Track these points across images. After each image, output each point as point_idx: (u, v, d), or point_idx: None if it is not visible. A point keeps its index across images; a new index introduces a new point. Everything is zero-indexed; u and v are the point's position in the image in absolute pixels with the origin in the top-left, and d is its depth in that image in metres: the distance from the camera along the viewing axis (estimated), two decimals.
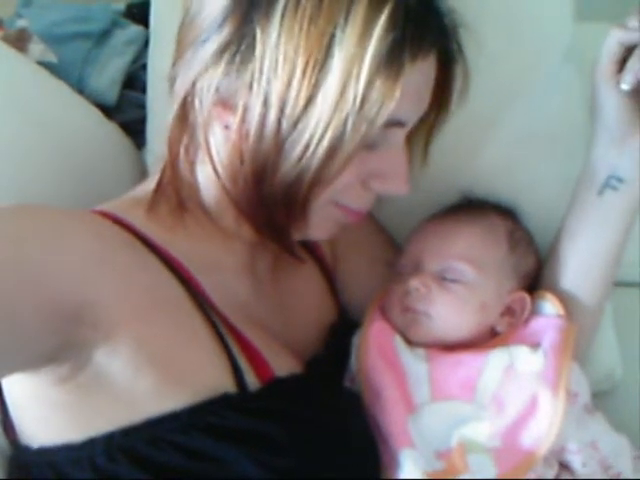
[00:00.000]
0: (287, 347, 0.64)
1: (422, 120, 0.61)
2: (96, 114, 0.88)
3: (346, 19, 0.51)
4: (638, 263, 0.94)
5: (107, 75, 0.94)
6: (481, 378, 0.62)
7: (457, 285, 0.66)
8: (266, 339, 0.61)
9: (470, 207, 0.74)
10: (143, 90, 0.87)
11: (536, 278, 0.73)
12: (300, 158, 0.53)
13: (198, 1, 0.56)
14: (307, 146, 0.53)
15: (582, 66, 0.74)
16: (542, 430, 0.59)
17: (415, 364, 0.64)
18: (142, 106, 0.87)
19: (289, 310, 0.69)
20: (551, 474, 0.61)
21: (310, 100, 0.52)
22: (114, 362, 0.51)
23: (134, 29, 0.99)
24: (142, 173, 0.86)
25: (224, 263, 0.64)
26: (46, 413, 0.54)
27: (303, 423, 0.55)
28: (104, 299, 0.51)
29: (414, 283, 0.66)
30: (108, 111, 0.91)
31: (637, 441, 0.66)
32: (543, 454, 0.58)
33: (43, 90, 0.83)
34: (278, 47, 0.51)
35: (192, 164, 0.59)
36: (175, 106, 0.57)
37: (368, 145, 0.56)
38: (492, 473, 0.57)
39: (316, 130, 0.52)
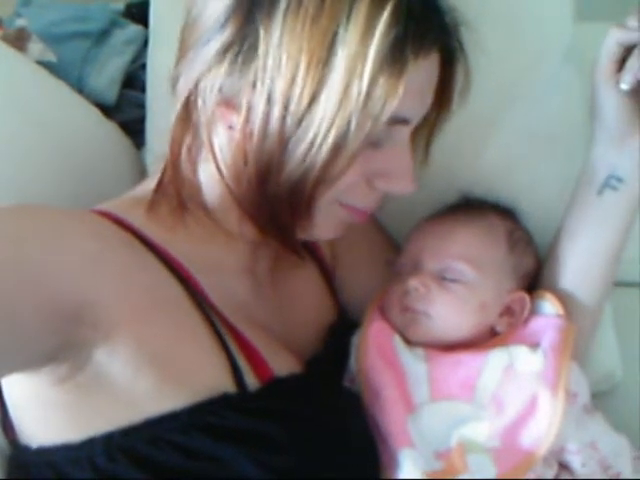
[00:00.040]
0: (286, 347, 0.64)
1: (423, 119, 0.61)
2: (95, 114, 0.88)
3: (348, 17, 0.51)
4: (638, 263, 0.95)
5: (106, 74, 0.94)
6: (480, 378, 0.62)
7: (456, 285, 0.66)
8: (265, 339, 0.61)
9: (469, 207, 0.74)
10: (142, 90, 0.87)
11: (535, 278, 0.73)
12: (305, 156, 0.53)
13: (200, 2, 0.56)
14: (311, 144, 0.53)
15: (582, 66, 0.74)
16: (541, 430, 0.59)
17: (414, 364, 0.64)
18: (141, 106, 0.87)
19: (288, 310, 0.69)
20: (551, 474, 0.61)
21: (314, 98, 0.52)
22: (114, 362, 0.51)
23: (133, 29, 0.99)
24: (141, 173, 0.86)
25: (224, 263, 0.64)
26: (45, 413, 0.54)
27: (303, 423, 0.55)
28: (104, 299, 0.51)
29: (413, 283, 0.66)
30: (107, 111, 0.91)
31: (637, 441, 0.66)
32: (542, 454, 0.58)
33: (42, 89, 0.83)
34: (281, 46, 0.51)
35: (194, 164, 0.59)
36: (177, 106, 0.57)
37: (373, 143, 0.56)
38: (492, 473, 0.57)
39: (320, 128, 0.52)
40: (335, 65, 0.51)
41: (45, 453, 0.54)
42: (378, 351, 0.66)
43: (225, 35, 0.53)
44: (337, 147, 0.53)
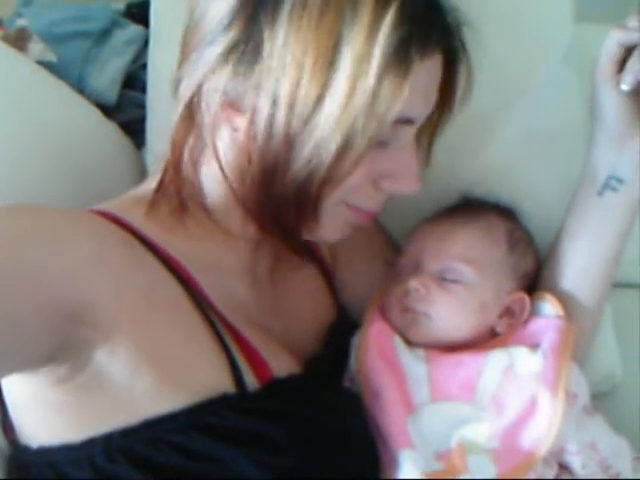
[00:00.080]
0: (286, 347, 0.64)
1: (426, 119, 0.61)
2: (96, 114, 0.88)
3: (353, 18, 0.51)
4: (638, 264, 0.95)
5: (107, 75, 0.94)
6: (481, 379, 0.62)
7: (457, 285, 0.66)
8: (265, 339, 0.61)
9: (470, 207, 0.74)
10: (143, 90, 0.87)
11: (535, 278, 0.73)
12: (311, 157, 0.53)
13: (203, 3, 0.55)
14: (318, 145, 0.53)
15: (582, 67, 0.74)
16: (541, 431, 0.59)
17: (415, 365, 0.64)
18: (142, 106, 0.87)
19: (288, 310, 0.69)
20: (551, 475, 0.61)
21: (319, 99, 0.52)
22: (113, 362, 0.51)
23: (134, 29, 0.99)
24: (141, 173, 0.86)
25: (223, 263, 0.64)
26: (45, 413, 0.54)
27: (302, 423, 0.55)
28: (103, 299, 0.51)
29: (414, 283, 0.66)
30: (108, 111, 0.91)
31: (637, 442, 0.66)
32: (542, 455, 0.58)
33: (43, 90, 0.83)
34: (286, 47, 0.51)
35: (196, 165, 0.59)
36: (180, 108, 0.57)
37: (379, 143, 0.56)
38: (492, 474, 0.57)
39: (326, 129, 0.52)
40: (340, 66, 0.51)
41: (45, 453, 0.54)
42: (378, 352, 0.66)
43: (229, 37, 0.53)
44: (343, 148, 0.53)
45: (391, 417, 0.61)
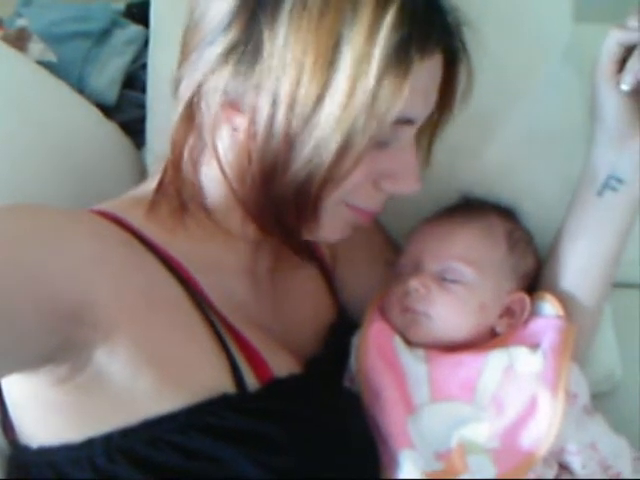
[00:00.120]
0: (286, 347, 0.64)
1: (426, 120, 0.61)
2: (96, 114, 0.88)
3: (353, 18, 0.51)
4: (638, 264, 0.94)
5: (107, 75, 0.94)
6: (481, 379, 0.62)
7: (457, 286, 0.66)
8: (265, 339, 0.61)
9: (469, 207, 0.74)
10: (143, 90, 0.87)
11: (535, 278, 0.73)
12: (311, 157, 0.53)
13: (203, 3, 0.55)
14: (318, 145, 0.53)
15: (582, 66, 0.74)
16: (541, 431, 0.59)
17: (415, 365, 0.64)
18: (142, 106, 0.87)
19: (288, 310, 0.69)
20: (551, 474, 0.61)
21: (319, 99, 0.52)
22: (113, 363, 0.51)
23: (134, 29, 0.99)
24: (141, 173, 0.86)
25: (223, 263, 0.64)
26: (45, 413, 0.54)
27: (302, 423, 0.55)
28: (103, 299, 0.51)
29: (414, 283, 0.66)
30: (108, 111, 0.92)
31: (637, 442, 0.66)
32: (542, 455, 0.58)
33: (43, 89, 0.83)
34: (286, 47, 0.51)
35: (196, 165, 0.59)
36: (180, 108, 0.57)
37: (379, 143, 0.56)
38: (492, 474, 0.57)
39: (326, 129, 0.52)
40: (340, 66, 0.51)
41: (45, 453, 0.54)
42: (378, 352, 0.66)
43: (229, 37, 0.53)
44: (343, 147, 0.53)
45: (391, 417, 0.61)
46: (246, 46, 0.53)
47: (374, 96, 0.52)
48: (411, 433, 0.60)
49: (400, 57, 0.52)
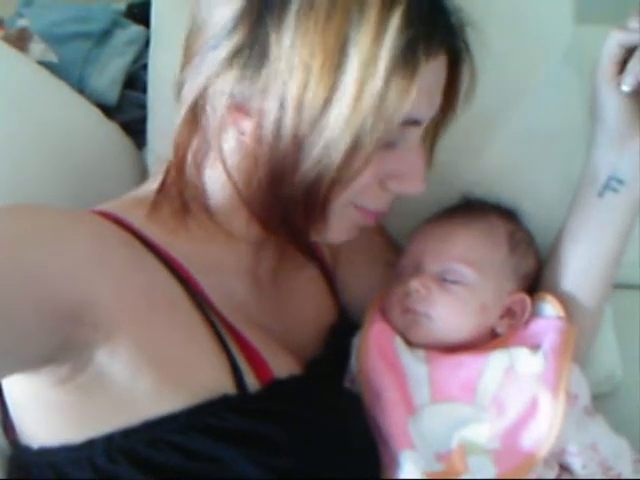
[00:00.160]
0: (286, 347, 0.64)
1: (430, 120, 0.62)
2: (96, 114, 0.88)
3: (360, 19, 0.51)
4: (638, 265, 0.94)
5: (108, 75, 0.94)
6: (481, 380, 0.62)
7: (457, 286, 0.66)
8: (265, 339, 0.61)
9: (470, 208, 0.74)
10: (144, 90, 0.87)
11: (536, 279, 0.73)
12: (320, 158, 0.53)
13: (208, 6, 0.55)
14: (326, 146, 0.53)
15: (582, 67, 0.74)
16: (542, 432, 0.59)
17: (415, 365, 0.64)
18: (143, 106, 0.87)
19: (289, 311, 0.69)
20: (551, 475, 0.61)
21: (327, 102, 0.52)
22: (114, 363, 0.51)
23: (135, 29, 0.99)
24: (142, 173, 0.86)
25: (224, 263, 0.64)
26: (46, 413, 0.54)
27: (303, 424, 0.55)
28: (103, 299, 0.51)
29: (414, 284, 0.66)
30: (109, 111, 0.92)
31: (637, 443, 0.66)
32: (543, 456, 0.58)
33: (43, 90, 0.83)
34: (293, 50, 0.51)
35: (199, 167, 0.59)
36: (183, 110, 0.57)
37: (386, 144, 0.56)
38: (492, 474, 0.57)
39: (335, 131, 0.52)
40: (348, 68, 0.51)
41: (46, 454, 0.54)
42: (379, 352, 0.66)
43: (234, 40, 0.53)
44: (352, 149, 0.53)
45: (392, 418, 0.61)
46: (252, 49, 0.53)
47: (382, 98, 0.52)
48: (412, 434, 0.60)
49: (407, 58, 0.52)
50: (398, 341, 0.66)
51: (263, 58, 0.52)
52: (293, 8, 0.51)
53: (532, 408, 0.60)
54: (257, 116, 0.54)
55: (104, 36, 0.96)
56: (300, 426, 0.55)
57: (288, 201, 0.56)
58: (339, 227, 0.62)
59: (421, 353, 0.65)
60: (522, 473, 0.58)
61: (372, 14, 0.51)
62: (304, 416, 0.56)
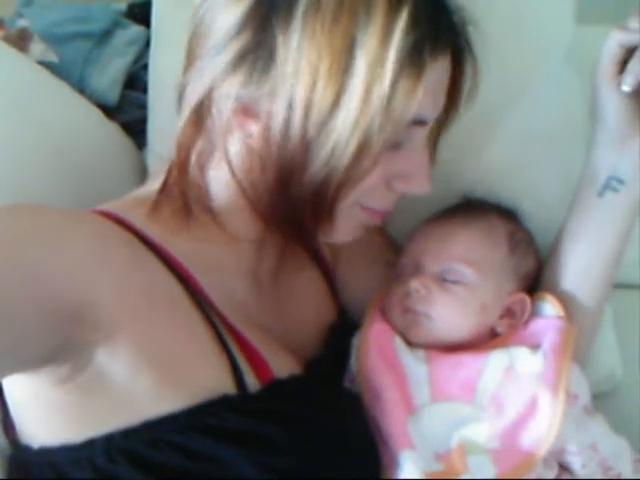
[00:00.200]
0: (286, 347, 0.64)
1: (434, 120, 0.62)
2: (97, 114, 0.88)
3: (367, 21, 0.51)
4: (638, 265, 0.94)
5: (108, 75, 0.94)
6: (481, 379, 0.62)
7: (457, 286, 0.66)
8: (265, 339, 0.61)
9: (470, 208, 0.74)
10: (144, 90, 0.87)
11: (536, 279, 0.73)
12: (328, 160, 0.53)
13: (212, 9, 0.55)
14: (334, 148, 0.53)
15: (583, 67, 0.74)
16: (541, 431, 0.59)
17: (415, 365, 0.64)
18: (143, 106, 0.87)
19: (290, 311, 0.69)
20: (551, 475, 0.61)
21: (335, 103, 0.52)
22: (114, 363, 0.51)
23: (135, 29, 0.99)
24: (143, 173, 0.86)
25: (225, 264, 0.64)
26: (46, 413, 0.54)
27: (303, 424, 0.55)
28: (104, 299, 0.51)
29: (414, 284, 0.66)
30: (109, 111, 0.91)
31: (637, 443, 0.66)
32: (542, 455, 0.58)
33: (44, 90, 0.83)
34: (300, 52, 0.51)
35: (203, 168, 0.59)
36: (187, 112, 0.57)
37: (393, 145, 0.56)
38: (491, 474, 0.57)
39: (343, 132, 0.52)
40: (355, 70, 0.51)
41: (46, 453, 0.54)
42: (379, 352, 0.66)
43: (240, 43, 0.53)
44: (360, 149, 0.53)
45: (391, 418, 0.61)
46: (259, 52, 0.53)
47: (389, 98, 0.52)
48: (411, 434, 0.60)
49: (414, 59, 0.52)
50: (398, 341, 0.66)
51: (270, 61, 0.52)
52: (300, 10, 0.51)
53: (532, 407, 0.60)
54: (265, 119, 0.54)
55: (104, 36, 0.96)
56: (300, 426, 0.55)
57: (296, 202, 0.56)
58: (346, 227, 0.62)
59: (421, 353, 0.65)
60: (521, 473, 0.58)
61: (379, 16, 0.51)
62: (304, 416, 0.56)
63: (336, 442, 0.56)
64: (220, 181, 0.60)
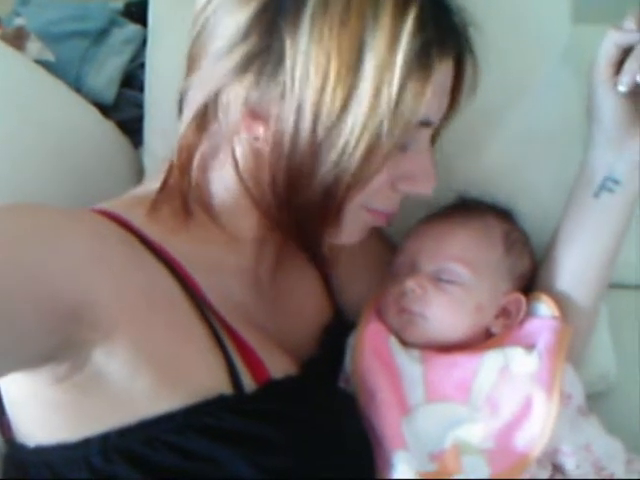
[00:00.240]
0: (282, 347, 0.64)
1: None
2: (93, 113, 0.88)
3: (374, 25, 0.52)
4: (633, 265, 0.94)
5: (105, 74, 0.94)
6: (476, 379, 0.62)
7: (453, 286, 0.66)
8: (262, 339, 0.61)
9: (466, 208, 0.74)
10: (141, 89, 0.87)
11: (532, 279, 0.73)
12: (337, 162, 0.54)
13: (216, 13, 0.55)
14: (343, 150, 0.53)
15: (580, 67, 0.74)
16: (535, 432, 0.59)
17: (410, 365, 0.64)
18: (139, 105, 0.88)
19: (287, 311, 0.69)
20: (545, 475, 0.61)
21: (344, 106, 0.52)
22: (112, 362, 0.51)
23: (132, 28, 0.99)
24: (139, 172, 0.86)
25: (224, 264, 0.64)
26: (43, 412, 0.54)
27: (298, 424, 0.56)
28: (104, 298, 0.51)
29: (410, 284, 0.66)
30: (105, 110, 0.91)
31: (631, 442, 0.66)
32: (536, 456, 0.58)
33: (40, 89, 0.83)
34: (308, 56, 0.52)
35: (205, 170, 0.60)
36: (190, 115, 0.57)
37: (400, 147, 0.57)
38: (486, 474, 0.58)
39: (352, 134, 0.53)
40: (364, 73, 0.52)
41: (42, 452, 0.54)
42: (374, 352, 0.66)
43: (248, 46, 0.53)
44: (369, 151, 0.54)
45: (386, 418, 0.61)
46: (267, 56, 0.53)
47: (398, 101, 0.53)
48: (405, 434, 0.60)
49: (422, 62, 0.53)
50: (393, 341, 0.66)
51: (278, 65, 0.53)
52: (307, 14, 0.52)
53: (526, 408, 0.60)
54: (273, 122, 0.54)
55: (101, 35, 0.95)
56: (295, 426, 0.55)
57: (304, 204, 0.57)
58: (351, 229, 0.63)
59: (416, 353, 0.65)
60: (516, 473, 0.58)
61: (386, 19, 0.52)
62: (299, 416, 0.56)
63: (331, 442, 0.56)
64: (222, 181, 0.60)
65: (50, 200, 0.69)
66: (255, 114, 0.55)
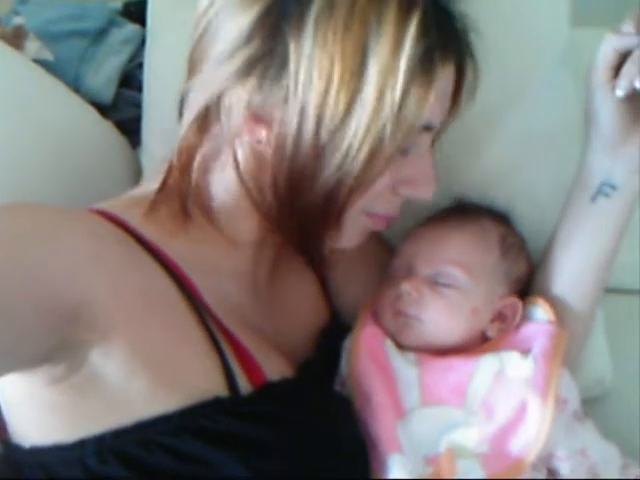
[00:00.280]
0: (278, 349, 0.64)
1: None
2: (92, 112, 0.88)
3: (378, 29, 0.52)
4: (629, 269, 0.95)
5: (103, 74, 0.93)
6: (471, 383, 0.62)
7: (449, 290, 0.66)
8: (258, 342, 0.61)
9: (463, 211, 0.74)
10: (139, 89, 0.87)
11: (528, 283, 0.73)
12: (340, 165, 0.54)
13: (218, 16, 0.55)
14: (346, 154, 0.54)
15: (578, 70, 0.74)
16: (530, 436, 0.59)
17: (406, 369, 0.64)
18: (138, 105, 0.87)
19: (282, 312, 0.69)
20: (539, 477, 0.61)
21: (348, 110, 0.52)
22: (108, 363, 0.51)
23: (131, 28, 0.99)
24: (137, 172, 0.86)
25: (221, 266, 0.64)
26: (39, 413, 0.54)
27: (294, 427, 0.56)
28: (101, 298, 0.51)
29: (406, 287, 0.66)
30: (104, 110, 0.91)
31: (627, 448, 0.66)
32: (531, 460, 0.58)
33: (39, 88, 0.83)
34: (312, 60, 0.52)
35: (205, 172, 0.60)
36: (190, 118, 0.57)
37: (401, 151, 0.57)
38: (480, 478, 0.58)
39: (355, 138, 0.53)
40: (368, 77, 0.52)
41: (37, 453, 0.54)
42: (370, 355, 0.66)
43: (251, 50, 0.53)
44: (372, 155, 0.54)
45: (381, 422, 0.61)
46: (270, 60, 0.53)
47: (401, 106, 0.53)
48: (400, 437, 0.60)
49: (425, 66, 0.53)
50: (389, 344, 0.66)
51: (282, 69, 0.53)
52: (311, 18, 0.52)
53: (521, 412, 0.60)
54: (276, 125, 0.54)
55: (100, 34, 0.95)
56: (291, 429, 0.55)
57: (306, 207, 0.57)
58: (352, 233, 0.63)
59: (412, 356, 0.65)
60: (510, 477, 0.58)
61: (390, 24, 0.52)
62: (295, 419, 0.56)
63: (327, 445, 0.56)
64: (223, 183, 0.60)
65: (47, 199, 0.69)
66: (258, 117, 0.55)
